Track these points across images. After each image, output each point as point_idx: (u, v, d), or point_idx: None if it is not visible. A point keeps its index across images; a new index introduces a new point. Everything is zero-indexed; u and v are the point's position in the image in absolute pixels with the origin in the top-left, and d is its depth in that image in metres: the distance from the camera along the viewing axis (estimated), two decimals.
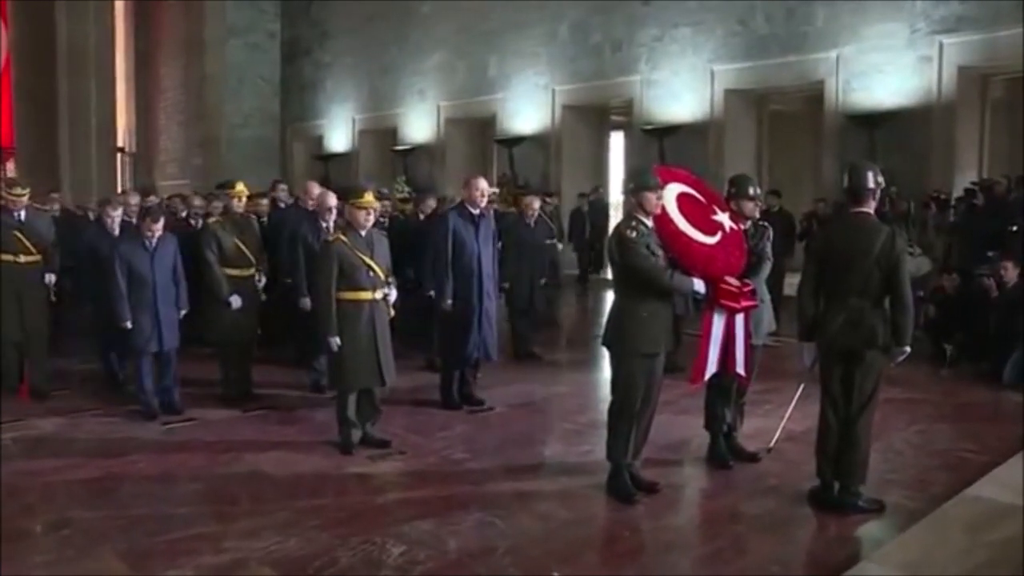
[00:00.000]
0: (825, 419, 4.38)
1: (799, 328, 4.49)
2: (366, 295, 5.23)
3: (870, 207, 4.29)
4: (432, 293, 6.47)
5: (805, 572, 3.80)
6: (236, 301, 6.29)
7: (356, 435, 5.33)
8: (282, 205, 8.21)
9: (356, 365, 5.21)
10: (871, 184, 4.27)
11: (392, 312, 5.46)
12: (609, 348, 4.60)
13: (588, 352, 8.82)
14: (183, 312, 6.16)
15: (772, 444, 5.22)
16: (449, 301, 6.19)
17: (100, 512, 4.35)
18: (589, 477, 4.79)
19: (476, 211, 6.24)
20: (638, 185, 4.44)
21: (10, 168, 22.06)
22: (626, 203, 4.43)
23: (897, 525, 4.15)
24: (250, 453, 5.28)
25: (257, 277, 6.54)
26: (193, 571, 3.68)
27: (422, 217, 7.92)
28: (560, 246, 10.65)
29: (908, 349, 4.24)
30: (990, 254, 7.90)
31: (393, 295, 5.40)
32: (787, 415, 5.32)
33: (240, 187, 6.54)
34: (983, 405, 6.50)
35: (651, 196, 4.39)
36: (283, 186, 9.02)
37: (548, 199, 10.64)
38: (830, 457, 4.34)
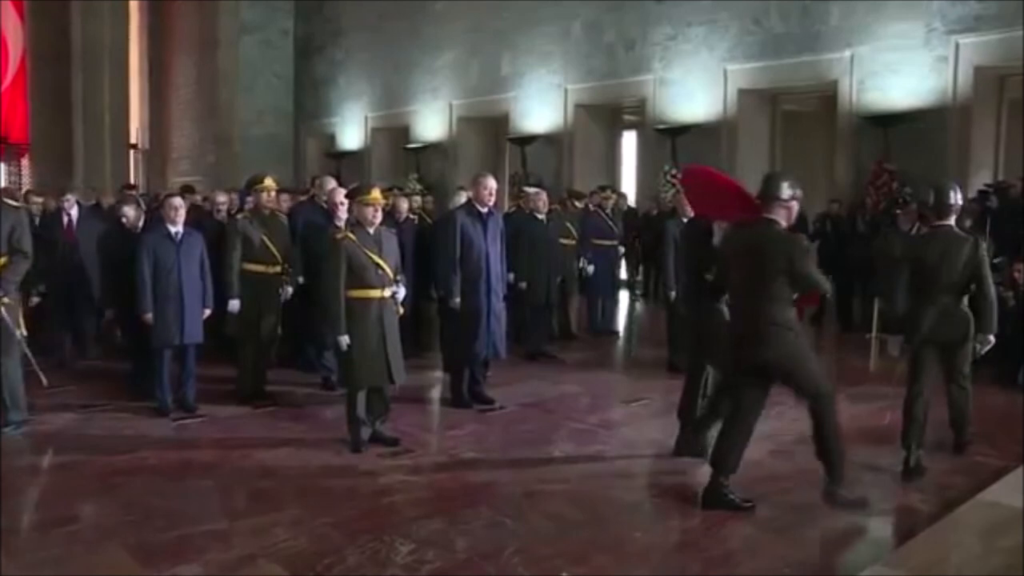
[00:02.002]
0: (913, 400, 4.95)
1: (889, 323, 5.40)
2: (375, 293, 5.21)
3: (951, 220, 4.97)
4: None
5: (817, 575, 3.76)
6: (234, 306, 6.26)
7: (366, 433, 5.32)
8: (324, 206, 8.01)
9: (365, 364, 5.20)
10: (952, 200, 4.95)
11: (401, 310, 5.45)
12: (771, 365, 4.32)
13: (599, 351, 8.79)
14: (208, 312, 6.14)
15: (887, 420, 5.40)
16: (457, 299, 6.18)
17: (109, 507, 4.36)
18: (600, 477, 4.78)
19: (484, 210, 6.23)
20: (794, 195, 4.33)
21: (25, 163, 22.24)
22: (770, 208, 4.31)
23: (911, 528, 4.12)
24: (260, 450, 5.28)
25: (284, 275, 6.48)
26: (202, 567, 3.68)
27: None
28: (622, 249, 10.34)
29: (993, 338, 4.99)
30: (996, 260, 7.82)
31: (402, 293, 5.38)
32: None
33: (268, 182, 6.43)
34: (998, 408, 6.41)
35: (796, 207, 4.35)
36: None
37: (603, 192, 10.05)
38: (918, 429, 4.90)
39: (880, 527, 4.23)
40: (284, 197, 7.69)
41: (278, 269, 6.43)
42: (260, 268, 6.35)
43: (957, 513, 4.20)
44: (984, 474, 4.82)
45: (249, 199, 6.86)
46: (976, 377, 7.31)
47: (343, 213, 6.53)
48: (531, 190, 8.82)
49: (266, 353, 6.58)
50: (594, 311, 9.68)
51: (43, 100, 21.62)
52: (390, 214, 7.85)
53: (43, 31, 21.60)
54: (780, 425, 5.49)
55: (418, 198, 9.85)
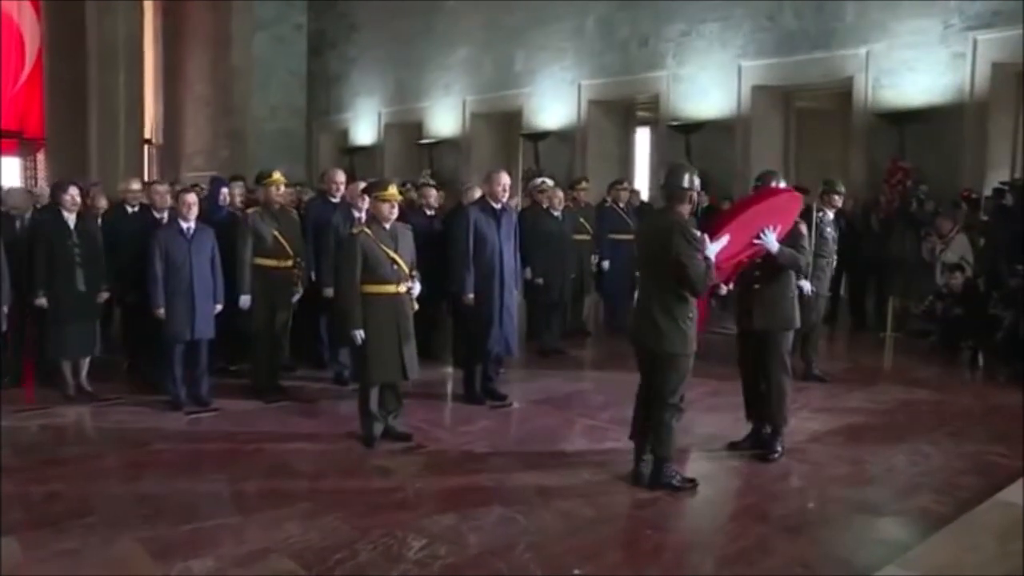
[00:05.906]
0: None
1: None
2: (390, 288, 5.22)
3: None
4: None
5: (830, 574, 3.74)
6: (245, 302, 6.28)
7: (378, 428, 5.33)
8: (334, 199, 7.78)
9: (379, 359, 5.20)
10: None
11: (416, 306, 5.45)
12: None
13: (613, 348, 8.77)
14: (219, 307, 6.17)
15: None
16: (471, 295, 6.17)
17: (123, 501, 4.39)
18: (612, 474, 4.76)
19: (497, 206, 6.22)
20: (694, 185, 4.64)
21: (40, 158, 22.37)
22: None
23: (925, 529, 4.09)
24: (272, 444, 5.30)
25: (296, 271, 6.49)
26: (214, 561, 3.69)
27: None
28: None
29: None
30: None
31: (417, 289, 5.38)
32: None
33: (277, 176, 6.46)
34: (1014, 408, 6.36)
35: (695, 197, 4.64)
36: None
37: (618, 185, 9.80)
38: None
39: (894, 527, 4.20)
40: (291, 191, 7.71)
41: (290, 264, 6.44)
42: (272, 263, 6.36)
43: (973, 514, 4.16)
44: (999, 474, 4.78)
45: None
46: (991, 375, 7.34)
47: (360, 207, 6.55)
48: (538, 181, 8.72)
49: (280, 348, 6.60)
50: (610, 307, 9.63)
51: (59, 96, 21.71)
52: (421, 206, 7.85)
53: (59, 27, 21.68)
54: (793, 424, 5.45)
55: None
